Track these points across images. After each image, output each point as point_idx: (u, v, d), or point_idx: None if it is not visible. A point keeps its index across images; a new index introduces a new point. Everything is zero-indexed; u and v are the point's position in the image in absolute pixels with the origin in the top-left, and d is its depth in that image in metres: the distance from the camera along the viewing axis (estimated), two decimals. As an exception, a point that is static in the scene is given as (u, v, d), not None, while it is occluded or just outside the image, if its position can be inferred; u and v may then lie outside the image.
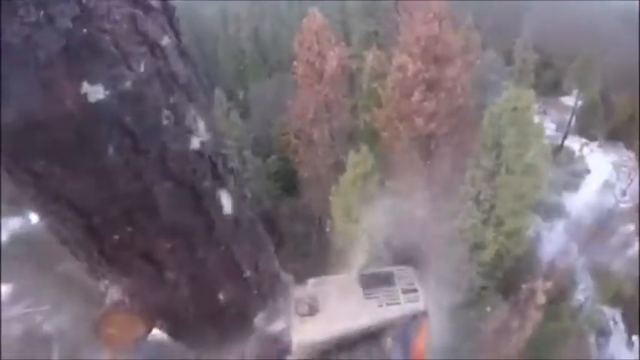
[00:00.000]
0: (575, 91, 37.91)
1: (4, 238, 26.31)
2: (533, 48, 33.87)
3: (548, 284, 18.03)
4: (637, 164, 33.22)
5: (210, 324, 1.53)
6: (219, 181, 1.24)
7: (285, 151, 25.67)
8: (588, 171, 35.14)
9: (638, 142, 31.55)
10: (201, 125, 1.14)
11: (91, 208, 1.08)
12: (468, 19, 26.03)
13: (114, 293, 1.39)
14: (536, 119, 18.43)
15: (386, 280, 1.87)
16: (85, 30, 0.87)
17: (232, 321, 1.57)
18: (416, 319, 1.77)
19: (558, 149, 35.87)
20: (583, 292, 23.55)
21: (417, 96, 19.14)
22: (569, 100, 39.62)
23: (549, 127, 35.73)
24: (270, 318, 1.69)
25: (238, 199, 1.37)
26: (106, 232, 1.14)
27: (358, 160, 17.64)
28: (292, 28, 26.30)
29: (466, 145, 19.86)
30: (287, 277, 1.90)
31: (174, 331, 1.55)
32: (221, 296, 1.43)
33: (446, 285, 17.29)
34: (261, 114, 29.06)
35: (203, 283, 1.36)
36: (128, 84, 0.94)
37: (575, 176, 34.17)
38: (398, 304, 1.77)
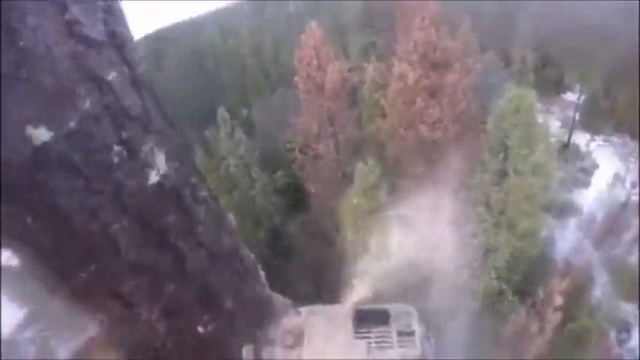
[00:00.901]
0: (577, 87, 37.70)
1: (15, 261, 26.40)
2: (531, 46, 33.77)
3: (565, 283, 17.78)
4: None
5: (192, 357, 1.48)
6: (187, 214, 1.21)
7: (292, 167, 25.63)
8: (597, 166, 34.79)
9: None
10: (160, 158, 1.10)
11: (51, 247, 1.05)
12: (465, 23, 26.02)
13: (90, 329, 1.36)
14: (540, 118, 18.29)
15: (380, 319, 1.76)
16: (24, 72, 0.85)
17: (217, 354, 1.52)
18: None
19: (565, 147, 35.59)
20: (600, 289, 23.18)
21: (419, 103, 19.09)
22: (571, 97, 39.39)
23: (554, 125, 35.49)
24: (259, 348, 1.63)
25: (212, 229, 1.34)
26: (70, 271, 1.11)
27: (365, 171, 17.56)
28: (292, 42, 26.35)
29: (472, 150, 19.72)
30: (282, 300, 1.84)
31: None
32: (201, 329, 1.39)
33: (460, 293, 17.12)
34: (265, 130, 29.05)
35: (179, 317, 1.32)
36: (73, 123, 0.91)
37: (584, 172, 33.84)
38: (390, 347, 1.67)
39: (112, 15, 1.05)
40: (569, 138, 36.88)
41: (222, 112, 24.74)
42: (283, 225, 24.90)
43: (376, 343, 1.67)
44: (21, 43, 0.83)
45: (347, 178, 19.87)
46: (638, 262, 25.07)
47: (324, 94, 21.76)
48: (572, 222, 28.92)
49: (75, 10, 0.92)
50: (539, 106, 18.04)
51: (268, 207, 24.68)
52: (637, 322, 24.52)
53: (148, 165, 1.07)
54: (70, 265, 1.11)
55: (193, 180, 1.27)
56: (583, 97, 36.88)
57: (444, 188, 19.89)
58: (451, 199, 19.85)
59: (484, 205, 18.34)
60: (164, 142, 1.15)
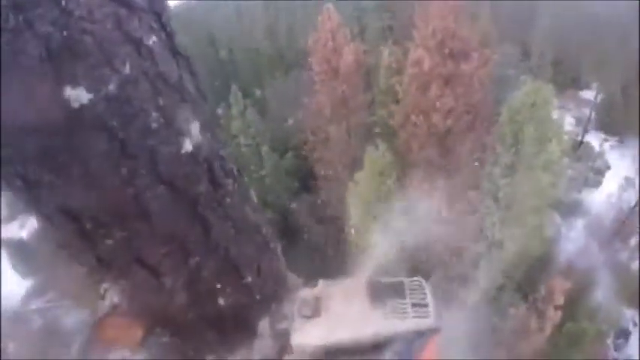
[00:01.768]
0: (594, 85, 37.21)
1: (24, 234, 26.68)
2: (550, 41, 33.36)
3: (567, 283, 17.78)
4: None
5: (212, 329, 1.50)
6: (217, 185, 1.21)
7: (302, 148, 25.66)
8: (609, 167, 34.47)
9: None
10: (194, 127, 1.10)
11: (82, 213, 1.05)
12: (485, 13, 25.71)
13: (113, 297, 1.37)
14: (555, 114, 18.12)
15: (396, 291, 1.80)
16: (65, 33, 0.84)
17: (235, 326, 1.53)
18: (423, 335, 1.70)
19: (578, 145, 35.26)
20: (602, 292, 23.17)
21: (433, 90, 18.98)
22: (588, 95, 38.90)
23: (568, 122, 35.13)
24: (274, 322, 1.65)
25: (238, 202, 1.34)
26: (98, 238, 1.11)
27: (375, 156, 17.53)
28: (307, 24, 26.19)
29: (484, 141, 19.63)
30: (295, 279, 1.86)
31: (174, 335, 1.52)
32: (221, 301, 1.40)
33: (464, 284, 17.18)
34: (277, 111, 29.04)
35: (201, 288, 1.33)
36: (112, 86, 0.90)
37: (595, 173, 33.53)
38: (405, 317, 1.70)
39: (151, -19, 1.04)
40: (582, 136, 36.52)
41: (235, 91, 24.71)
42: (291, 206, 25.00)
43: (392, 313, 1.71)
44: (62, 3, 0.82)
45: (357, 163, 19.83)
46: (638, 267, 25.06)
47: (339, 77, 21.67)
48: (579, 222, 28.73)
49: (115, -26, 0.91)
50: (555, 101, 17.87)
51: (277, 187, 24.76)
52: (636, 329, 24.56)
53: (183, 133, 1.07)
54: (98, 232, 1.11)
55: (222, 152, 1.27)
56: (600, 96, 36.40)
57: (453, 178, 19.91)
58: (460, 190, 19.90)
59: (492, 198, 18.28)
60: (198, 112, 1.14)
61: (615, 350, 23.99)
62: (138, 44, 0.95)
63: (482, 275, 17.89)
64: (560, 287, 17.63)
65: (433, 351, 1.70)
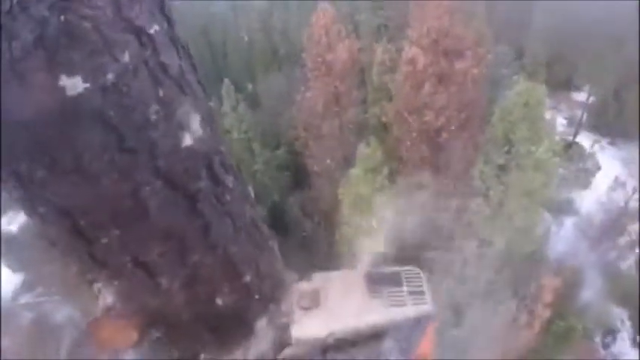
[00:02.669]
0: (586, 87, 37.45)
1: (14, 227, 26.47)
2: (543, 41, 33.49)
3: (557, 282, 17.91)
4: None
5: (209, 329, 1.47)
6: (217, 181, 1.17)
7: (294, 144, 25.62)
8: (599, 168, 34.73)
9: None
10: (194, 120, 1.05)
11: (76, 210, 1.01)
12: (480, 12, 25.74)
13: (106, 297, 1.32)
14: (548, 115, 18.23)
15: (393, 280, 1.81)
16: (62, 17, 0.79)
17: (232, 326, 1.51)
18: (421, 322, 1.72)
19: (569, 146, 35.49)
20: (591, 291, 23.38)
21: (427, 89, 19.01)
22: (580, 96, 39.15)
23: (560, 123, 35.38)
24: (272, 321, 1.63)
25: (238, 200, 1.30)
26: (93, 235, 1.07)
27: (367, 153, 17.55)
28: (302, 20, 26.13)
29: (476, 140, 19.71)
30: (290, 276, 1.84)
31: (170, 335, 1.48)
32: (219, 301, 1.36)
33: (454, 280, 17.26)
34: (270, 106, 28.95)
35: (199, 288, 1.29)
36: (111, 76, 0.85)
37: (585, 173, 33.79)
38: (403, 305, 1.71)
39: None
40: (574, 137, 36.76)
41: (227, 85, 24.59)
42: (283, 202, 24.98)
43: (390, 301, 1.71)
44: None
45: (349, 159, 19.84)
46: (632, 267, 25.32)
47: (332, 73, 21.62)
48: (569, 222, 28.98)
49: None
50: (547, 102, 17.96)
51: (269, 183, 24.72)
52: (624, 327, 24.82)
53: (183, 127, 1.02)
54: (93, 229, 1.06)
55: (222, 148, 1.22)
56: (592, 98, 36.65)
57: (444, 176, 19.98)
58: (450, 188, 19.98)
59: (483, 196, 18.37)
60: (198, 105, 1.10)
61: (603, 348, 24.25)
62: (138, 32, 0.90)
63: (472, 273, 17.99)
64: (549, 285, 17.76)
65: (431, 337, 1.71)
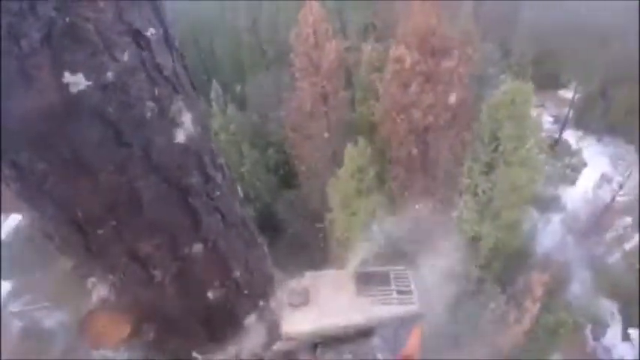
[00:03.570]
0: (573, 84, 37.77)
1: (3, 235, 26.19)
2: (530, 40, 33.74)
3: (545, 277, 18.07)
4: (636, 157, 33.13)
5: (200, 324, 1.51)
6: (207, 177, 1.23)
7: (283, 144, 25.62)
8: (585, 164, 35.05)
9: (638, 135, 31.37)
10: (187, 118, 1.11)
11: (74, 202, 1.06)
12: (467, 12, 25.91)
13: (100, 291, 1.37)
14: (534, 112, 18.39)
15: (381, 279, 1.86)
16: (67, 19, 0.86)
17: (222, 321, 1.55)
18: (408, 321, 1.76)
19: (555, 142, 35.81)
20: (579, 285, 23.63)
21: (414, 88, 19.11)
22: (567, 94, 39.48)
23: (546, 120, 35.67)
24: (261, 317, 1.68)
25: (227, 196, 1.35)
26: (90, 227, 1.12)
27: (355, 153, 17.60)
28: (290, 20, 26.09)
29: (463, 137, 19.85)
30: (280, 275, 1.89)
31: (161, 330, 1.53)
32: (210, 295, 1.41)
33: (443, 277, 17.34)
34: (258, 107, 28.91)
35: (190, 281, 1.34)
36: (111, 74, 0.92)
37: (572, 169, 34.09)
38: (391, 304, 1.76)
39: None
40: (560, 134, 37.08)
41: (215, 87, 24.54)
42: (272, 202, 24.97)
43: (379, 300, 1.77)
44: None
45: (337, 159, 19.89)
46: (619, 262, 25.64)
47: (320, 73, 21.65)
48: (556, 217, 29.25)
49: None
50: (534, 99, 18.12)
51: (258, 184, 24.69)
52: (614, 320, 25.09)
53: (176, 124, 1.08)
54: (91, 221, 1.12)
55: (212, 146, 1.29)
56: (578, 96, 36.99)
57: (432, 174, 20.08)
58: (438, 185, 20.09)
59: (471, 193, 18.50)
60: (190, 104, 1.16)
61: (594, 340, 24.51)
62: (137, 35, 0.97)
63: (460, 269, 18.11)
64: (538, 280, 17.91)
65: (418, 336, 1.75)
